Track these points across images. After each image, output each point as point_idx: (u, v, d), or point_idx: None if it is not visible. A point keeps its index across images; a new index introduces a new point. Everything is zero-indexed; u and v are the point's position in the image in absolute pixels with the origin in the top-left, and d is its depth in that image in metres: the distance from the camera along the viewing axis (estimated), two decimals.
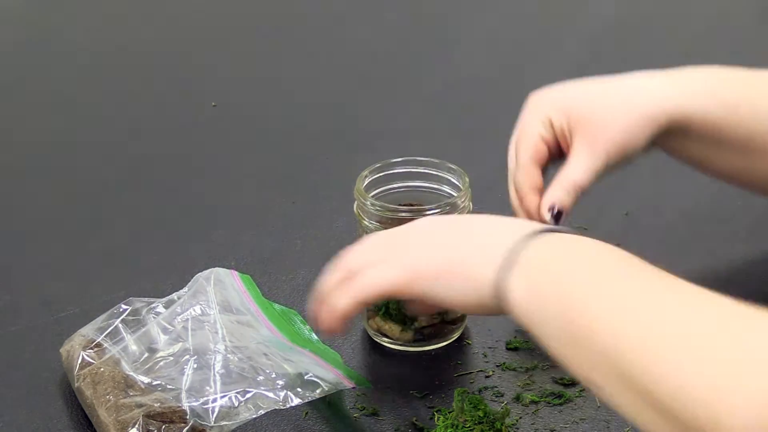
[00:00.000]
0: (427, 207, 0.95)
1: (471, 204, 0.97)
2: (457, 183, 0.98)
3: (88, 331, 0.92)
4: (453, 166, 0.98)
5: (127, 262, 1.09)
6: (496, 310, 0.73)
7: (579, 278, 0.69)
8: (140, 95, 1.42)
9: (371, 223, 0.95)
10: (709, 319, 0.63)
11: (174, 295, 0.94)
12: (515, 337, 0.97)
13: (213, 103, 1.39)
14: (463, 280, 0.74)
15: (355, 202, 0.97)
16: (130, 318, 0.93)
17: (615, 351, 0.64)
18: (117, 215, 1.17)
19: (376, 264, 0.78)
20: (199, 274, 0.95)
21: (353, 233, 1.01)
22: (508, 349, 0.96)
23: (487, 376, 0.93)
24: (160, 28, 1.61)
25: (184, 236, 1.13)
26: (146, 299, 0.94)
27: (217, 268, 0.95)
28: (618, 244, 1.07)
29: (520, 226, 0.75)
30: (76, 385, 0.88)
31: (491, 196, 1.17)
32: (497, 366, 0.94)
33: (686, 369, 0.60)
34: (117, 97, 1.42)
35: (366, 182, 0.98)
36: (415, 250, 0.77)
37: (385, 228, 0.95)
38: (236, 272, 0.97)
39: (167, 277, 1.07)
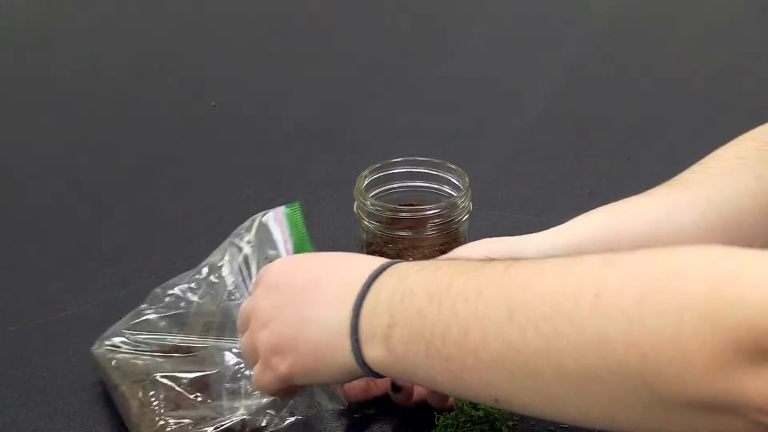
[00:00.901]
0: (427, 207, 0.95)
1: (471, 204, 0.97)
2: (457, 183, 0.98)
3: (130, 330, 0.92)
4: (453, 166, 0.98)
5: (127, 262, 1.09)
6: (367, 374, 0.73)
7: (430, 311, 0.67)
8: (140, 95, 1.42)
9: (371, 223, 0.95)
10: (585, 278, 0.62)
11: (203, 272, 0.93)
12: None
13: (213, 103, 1.38)
14: (329, 368, 0.74)
15: (355, 202, 0.97)
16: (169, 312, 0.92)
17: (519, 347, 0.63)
18: (117, 215, 1.17)
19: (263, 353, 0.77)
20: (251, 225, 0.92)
21: (353, 233, 1.01)
22: None
23: None
24: (160, 28, 1.61)
25: (184, 236, 1.13)
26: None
27: (268, 216, 0.92)
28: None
29: (346, 290, 0.73)
30: (120, 387, 0.88)
31: (491, 196, 1.17)
32: None
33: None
34: (117, 97, 1.42)
35: (366, 182, 0.98)
36: (275, 357, 0.76)
37: (385, 228, 0.95)
38: (282, 211, 0.92)
39: (167, 277, 1.07)
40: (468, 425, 0.85)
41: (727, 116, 1.34)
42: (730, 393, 0.57)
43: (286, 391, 0.79)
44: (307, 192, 1.20)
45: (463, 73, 1.47)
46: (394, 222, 0.95)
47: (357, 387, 0.87)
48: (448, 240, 0.95)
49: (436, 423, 0.87)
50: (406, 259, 0.94)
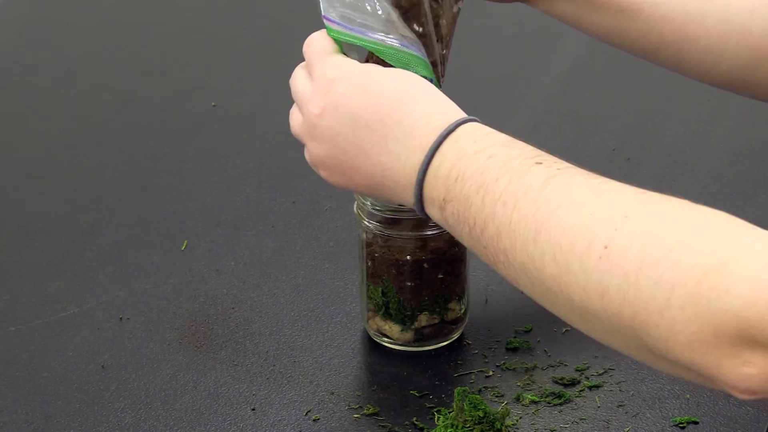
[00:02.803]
0: None
1: None
2: None
3: None
4: None
5: (127, 262, 1.09)
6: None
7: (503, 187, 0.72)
8: (141, 95, 1.42)
9: (371, 223, 0.95)
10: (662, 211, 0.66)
11: None
12: (515, 337, 0.97)
13: (213, 103, 1.38)
14: (390, 195, 0.79)
15: (355, 202, 0.97)
16: None
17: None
18: (117, 215, 1.17)
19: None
20: None
21: (353, 233, 1.01)
22: (508, 349, 0.96)
23: (487, 376, 0.93)
24: (160, 27, 1.61)
25: (184, 236, 1.13)
26: None
27: None
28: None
29: (412, 146, 0.77)
30: None
31: None
32: (497, 366, 0.94)
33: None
34: (117, 97, 1.42)
35: None
36: (339, 161, 0.80)
37: (386, 228, 0.95)
38: None
39: (167, 277, 1.07)
40: (468, 425, 0.85)
41: (727, 116, 1.34)
42: (708, 368, 0.62)
43: None
44: (307, 192, 1.20)
45: (463, 72, 1.47)
46: (394, 222, 0.95)
47: None
48: (447, 240, 0.95)
49: (436, 423, 0.87)
50: (405, 260, 0.94)
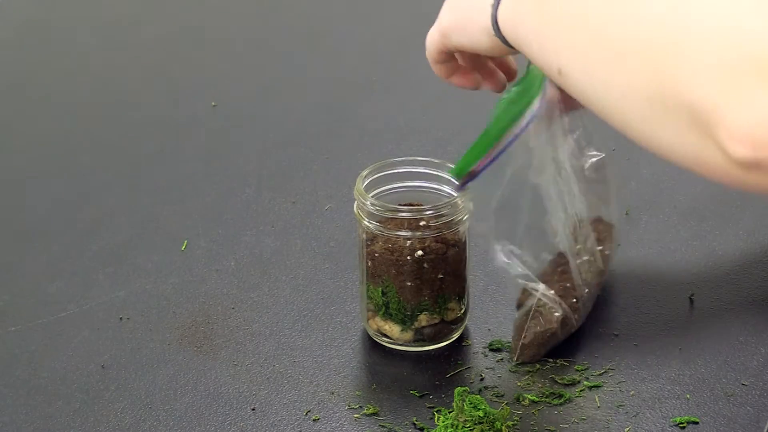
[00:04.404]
0: (427, 207, 0.95)
1: (471, 204, 0.97)
2: (458, 183, 0.98)
3: None
4: (453, 166, 0.98)
5: (127, 262, 1.10)
6: (502, 45, 0.88)
7: None
8: (140, 95, 1.42)
9: (371, 223, 0.95)
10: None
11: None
12: None
13: (213, 103, 1.39)
14: (475, 25, 0.87)
15: (355, 202, 0.97)
16: None
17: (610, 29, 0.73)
18: (117, 215, 1.17)
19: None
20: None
21: (353, 233, 1.01)
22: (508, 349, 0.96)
23: (487, 377, 0.93)
24: (159, 27, 1.61)
25: (184, 236, 1.13)
26: None
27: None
28: (618, 245, 1.07)
29: None
30: None
31: None
32: (497, 366, 0.94)
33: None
34: (117, 97, 1.42)
35: (366, 182, 0.98)
36: (444, 12, 0.92)
37: (386, 228, 0.95)
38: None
39: (167, 277, 1.07)
40: (468, 425, 0.85)
41: None
42: (715, 102, 0.64)
43: (445, 61, 0.94)
44: (307, 192, 1.20)
45: None
46: (394, 222, 0.95)
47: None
48: (447, 240, 0.95)
49: (436, 423, 0.87)
50: (405, 259, 0.95)
